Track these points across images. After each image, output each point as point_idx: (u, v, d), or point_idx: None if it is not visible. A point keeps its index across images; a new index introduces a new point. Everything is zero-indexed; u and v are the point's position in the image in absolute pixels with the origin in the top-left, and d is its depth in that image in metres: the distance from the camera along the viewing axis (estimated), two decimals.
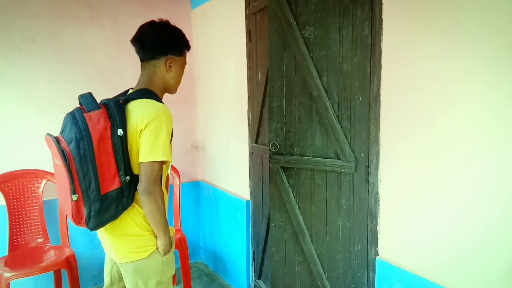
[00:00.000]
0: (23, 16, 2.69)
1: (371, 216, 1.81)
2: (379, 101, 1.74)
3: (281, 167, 2.11)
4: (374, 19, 1.72)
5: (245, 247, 2.78)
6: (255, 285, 2.73)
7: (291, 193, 2.10)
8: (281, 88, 2.07)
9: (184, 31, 3.35)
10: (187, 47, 1.67)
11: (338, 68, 1.85)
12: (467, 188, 1.44)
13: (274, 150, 2.11)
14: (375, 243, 1.81)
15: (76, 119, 1.38)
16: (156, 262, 1.53)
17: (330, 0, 1.84)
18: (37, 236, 2.68)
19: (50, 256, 2.53)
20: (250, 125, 2.67)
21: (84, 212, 1.41)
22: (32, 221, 2.68)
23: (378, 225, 1.80)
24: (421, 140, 1.59)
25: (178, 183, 3.04)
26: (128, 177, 1.42)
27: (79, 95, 1.48)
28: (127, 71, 3.10)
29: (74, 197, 1.39)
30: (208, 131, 3.31)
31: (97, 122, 1.38)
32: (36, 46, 2.76)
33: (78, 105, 1.48)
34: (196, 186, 3.47)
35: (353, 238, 1.89)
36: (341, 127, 1.86)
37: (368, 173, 1.81)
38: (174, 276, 2.75)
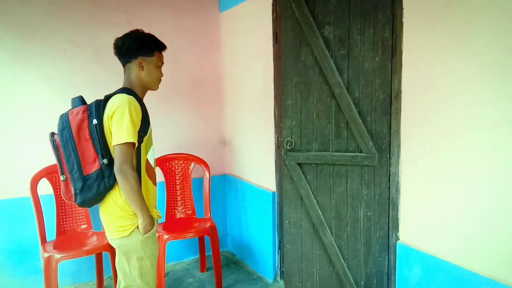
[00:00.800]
0: (68, 21, 2.94)
1: (392, 204, 1.96)
2: (400, 97, 1.89)
3: (298, 163, 2.18)
4: (395, 22, 1.87)
5: (271, 236, 2.96)
6: (281, 272, 2.91)
7: (310, 189, 2.19)
8: (297, 86, 2.14)
9: (212, 34, 3.57)
10: (159, 47, 1.93)
11: (359, 67, 2.00)
12: (483, 174, 1.59)
13: (289, 147, 2.17)
14: (396, 229, 1.96)
15: (62, 115, 1.76)
16: (137, 240, 1.75)
17: (351, 2, 1.99)
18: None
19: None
20: (276, 121, 2.85)
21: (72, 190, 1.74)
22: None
23: (399, 212, 1.95)
24: (439, 132, 1.74)
25: (208, 176, 3.24)
26: (105, 160, 1.68)
27: (72, 98, 1.82)
28: None
29: (62, 177, 1.77)
30: (235, 128, 3.50)
31: (76, 115, 1.71)
32: (79, 49, 3.00)
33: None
34: (223, 179, 3.67)
35: (374, 226, 2.04)
36: (364, 122, 2.01)
37: (389, 164, 1.96)
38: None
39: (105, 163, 1.68)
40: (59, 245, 2.67)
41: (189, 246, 3.47)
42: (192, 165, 3.30)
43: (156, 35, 3.23)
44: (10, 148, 2.81)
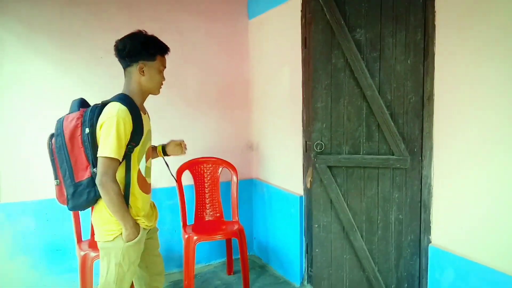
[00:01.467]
0: (105, 30, 3.07)
1: (424, 207, 1.96)
2: (433, 100, 1.90)
3: (328, 166, 2.20)
4: (427, 25, 1.89)
5: (299, 240, 2.97)
6: (309, 276, 2.91)
7: (340, 192, 2.19)
8: (327, 88, 2.16)
9: (241, 41, 3.61)
10: (161, 51, 1.84)
11: (391, 69, 2.01)
12: None
13: (319, 150, 2.19)
14: (428, 232, 1.95)
15: (58, 120, 1.76)
16: (118, 246, 1.73)
17: (383, 6, 2.01)
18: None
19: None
20: (304, 125, 2.88)
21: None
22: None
23: (431, 215, 1.94)
24: (472, 136, 1.73)
25: (236, 180, 3.29)
26: (95, 169, 1.66)
27: (72, 100, 1.83)
28: (190, 79, 3.42)
29: (56, 182, 1.77)
30: (262, 132, 3.55)
31: (70, 122, 1.71)
32: (115, 57, 3.13)
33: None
34: (249, 183, 3.71)
35: (406, 229, 2.03)
36: (395, 125, 2.02)
37: (422, 167, 1.96)
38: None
39: (96, 172, 1.66)
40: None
41: (217, 248, 3.52)
42: (220, 169, 3.36)
43: (187, 43, 3.38)
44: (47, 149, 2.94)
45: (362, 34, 2.08)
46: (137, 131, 1.73)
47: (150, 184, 1.91)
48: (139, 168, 1.81)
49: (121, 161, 1.69)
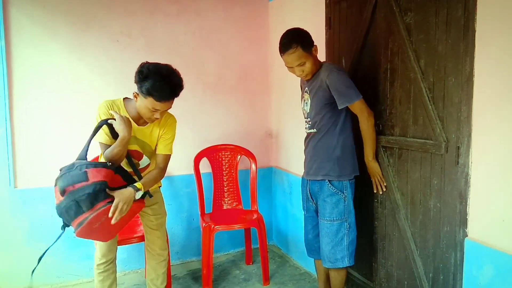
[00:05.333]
0: (121, 13, 2.99)
1: (461, 197, 1.82)
2: (472, 81, 1.74)
3: (382, 146, 2.24)
4: (467, 0, 1.73)
5: None
6: None
7: (390, 172, 2.21)
8: (385, 72, 2.19)
9: (260, 24, 3.53)
10: (154, 96, 1.92)
11: (433, 50, 1.90)
12: None
13: (377, 130, 2.24)
14: (464, 225, 1.82)
15: None
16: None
17: None
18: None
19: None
20: None
21: None
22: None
23: (468, 207, 1.80)
24: None
25: (255, 168, 3.20)
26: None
27: None
28: (209, 62, 3.31)
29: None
30: (281, 119, 3.43)
31: None
32: (131, 40, 3.04)
33: None
34: (269, 172, 3.61)
35: (443, 219, 1.91)
36: (434, 109, 1.89)
37: (458, 154, 1.81)
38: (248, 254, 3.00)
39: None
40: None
41: (235, 237, 3.45)
42: (239, 156, 3.27)
43: (205, 25, 3.26)
44: (66, 135, 2.90)
45: (411, 17, 2.02)
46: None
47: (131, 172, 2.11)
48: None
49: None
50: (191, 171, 3.12)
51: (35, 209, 2.82)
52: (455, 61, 1.79)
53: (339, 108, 2.11)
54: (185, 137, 3.25)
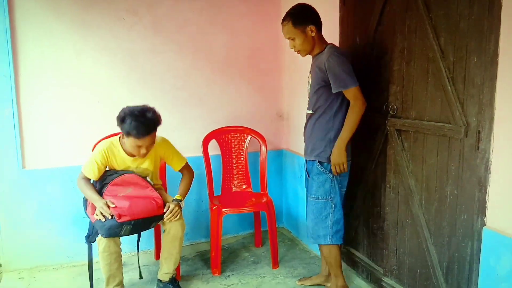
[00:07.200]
0: None
1: (480, 184, 1.73)
2: (496, 61, 1.62)
3: (396, 129, 2.15)
4: None
5: None
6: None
7: (404, 156, 2.13)
8: (402, 51, 2.07)
9: (272, 2, 3.41)
10: (129, 134, 2.17)
11: (454, 27, 1.77)
12: None
13: (392, 113, 2.15)
14: (483, 213, 1.73)
15: None
16: None
17: None
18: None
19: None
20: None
21: None
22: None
23: (487, 194, 1.71)
24: None
25: (264, 150, 3.13)
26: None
27: None
28: (216, 42, 3.20)
29: None
30: (293, 101, 3.33)
31: None
32: (138, 18, 2.95)
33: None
34: (279, 154, 3.54)
35: (460, 207, 1.83)
36: (454, 90, 1.78)
37: (479, 139, 1.71)
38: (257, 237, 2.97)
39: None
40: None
41: (245, 220, 3.42)
42: (249, 138, 3.20)
43: (213, 2, 3.12)
44: (72, 115, 2.86)
45: None
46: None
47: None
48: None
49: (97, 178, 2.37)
50: (200, 153, 3.07)
51: (43, 190, 2.82)
52: (478, 39, 1.66)
53: (333, 92, 2.09)
54: (194, 119, 3.19)
